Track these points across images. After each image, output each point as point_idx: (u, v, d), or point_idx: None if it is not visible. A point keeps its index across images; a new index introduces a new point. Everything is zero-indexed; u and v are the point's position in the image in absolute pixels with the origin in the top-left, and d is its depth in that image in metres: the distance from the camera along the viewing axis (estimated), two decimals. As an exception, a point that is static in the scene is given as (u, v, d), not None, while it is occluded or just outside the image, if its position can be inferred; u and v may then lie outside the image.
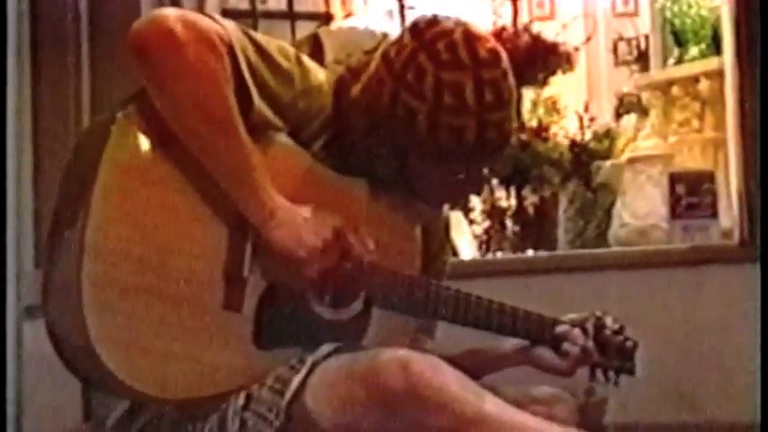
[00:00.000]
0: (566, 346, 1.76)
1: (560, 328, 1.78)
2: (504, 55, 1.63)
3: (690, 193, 3.47)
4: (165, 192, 1.48)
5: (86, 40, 3.20)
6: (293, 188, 1.56)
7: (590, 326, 1.82)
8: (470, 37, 1.60)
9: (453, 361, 1.44)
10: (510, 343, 1.82)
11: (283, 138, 1.59)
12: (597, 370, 1.84)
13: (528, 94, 4.64)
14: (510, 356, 1.83)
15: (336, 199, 1.64)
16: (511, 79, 1.63)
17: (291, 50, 1.62)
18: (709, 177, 3.53)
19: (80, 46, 3.18)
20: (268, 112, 1.55)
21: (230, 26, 1.51)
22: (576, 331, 1.78)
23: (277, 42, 1.61)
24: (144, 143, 1.47)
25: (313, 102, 1.62)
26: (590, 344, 1.77)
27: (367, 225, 1.66)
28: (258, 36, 1.57)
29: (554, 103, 4.77)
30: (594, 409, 1.74)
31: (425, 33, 1.61)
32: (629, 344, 1.85)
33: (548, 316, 1.80)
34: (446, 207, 1.94)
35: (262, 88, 1.53)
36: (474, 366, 1.47)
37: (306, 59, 1.64)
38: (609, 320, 1.85)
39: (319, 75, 1.65)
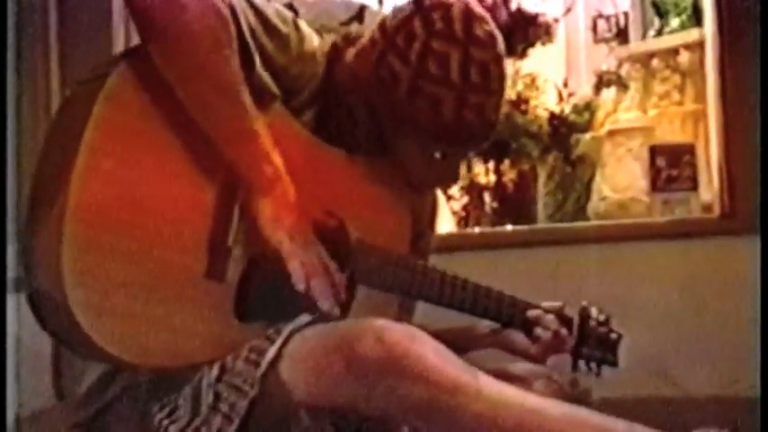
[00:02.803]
0: (538, 330, 1.75)
1: (532, 313, 1.77)
2: (500, 40, 1.61)
3: (670, 166, 3.45)
4: (153, 155, 1.44)
5: (55, 18, 3.14)
6: (286, 158, 1.52)
7: (575, 315, 1.82)
8: (469, 14, 1.59)
9: None
10: (482, 324, 1.81)
11: (277, 105, 1.57)
12: (580, 361, 1.83)
13: (507, 68, 4.61)
14: (481, 338, 1.83)
15: (328, 172, 1.63)
16: (504, 66, 1.62)
17: (289, 14, 1.59)
18: (689, 150, 3.52)
19: (48, 24, 3.13)
20: (267, 78, 1.52)
21: None
22: (550, 316, 1.77)
23: (274, 5, 1.59)
24: (135, 103, 1.43)
25: (306, 68, 1.60)
26: (563, 330, 1.76)
27: (357, 199, 1.65)
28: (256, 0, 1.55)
29: (533, 79, 4.76)
30: (579, 400, 1.72)
31: (425, 1, 1.60)
32: (613, 336, 1.85)
33: (521, 299, 1.78)
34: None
35: (260, 53, 1.51)
36: (446, 347, 1.45)
37: (302, 24, 1.61)
38: (594, 311, 1.85)
39: (314, 41, 1.63)
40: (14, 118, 2.95)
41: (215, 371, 1.45)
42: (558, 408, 1.37)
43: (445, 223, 4.18)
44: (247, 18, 1.49)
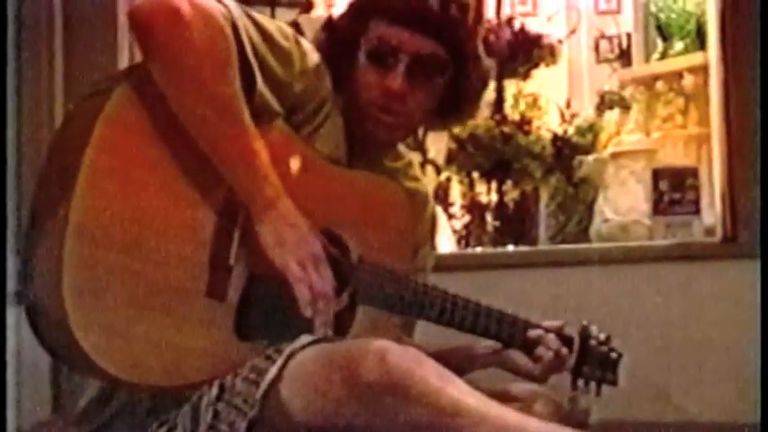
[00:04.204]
0: (539, 350, 1.75)
1: (533, 332, 1.76)
2: None
3: (673, 189, 3.44)
4: (154, 172, 1.44)
5: (60, 27, 3.14)
6: (287, 176, 1.53)
7: (575, 334, 1.81)
8: None
9: None
10: (483, 344, 1.81)
11: (279, 122, 1.57)
12: (579, 379, 1.82)
13: (510, 89, 4.62)
14: (482, 358, 1.83)
15: (329, 189, 1.64)
16: None
17: (290, 31, 1.60)
18: (692, 173, 3.51)
19: (53, 33, 3.12)
20: (269, 95, 1.53)
21: (232, 5, 1.49)
22: (551, 336, 1.76)
23: (276, 22, 1.60)
24: (136, 122, 1.43)
25: (309, 84, 1.60)
26: (564, 349, 1.76)
27: (358, 216, 1.66)
28: (258, 16, 1.55)
29: (535, 100, 4.75)
30: (578, 419, 1.72)
31: None
32: (613, 355, 1.84)
33: (522, 318, 1.78)
34: (432, 202, 1.93)
35: (263, 70, 1.51)
36: (446, 367, 1.44)
37: (303, 41, 1.62)
38: (595, 330, 1.84)
39: (314, 56, 1.63)
40: (16, 131, 2.95)
41: (214, 390, 1.45)
42: (558, 432, 1.36)
43: (446, 242, 4.17)
44: (250, 35, 1.49)
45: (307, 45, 1.62)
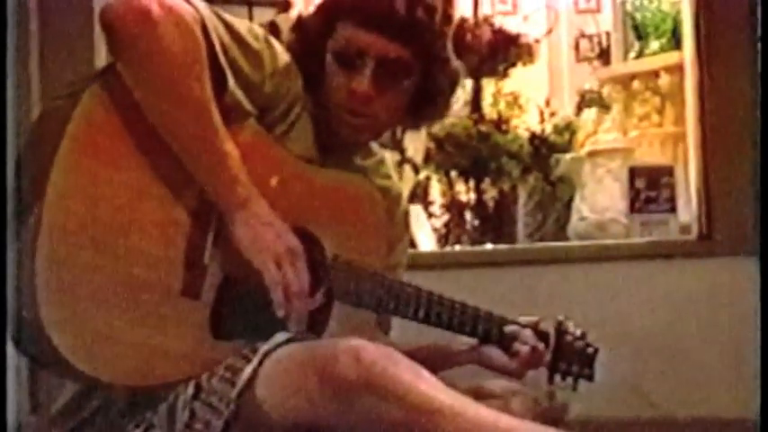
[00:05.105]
0: (516, 346, 1.75)
1: (510, 328, 1.77)
2: None
3: (649, 188, 3.46)
4: (127, 172, 1.44)
5: (36, 29, 3.12)
6: (260, 176, 1.53)
7: (551, 329, 1.81)
8: None
9: None
10: (460, 341, 1.81)
11: (251, 122, 1.56)
12: (556, 374, 1.82)
13: (489, 87, 4.63)
14: (459, 354, 1.83)
15: (303, 188, 1.63)
16: None
17: (260, 31, 1.60)
18: (668, 172, 3.54)
19: (28, 35, 3.10)
20: (241, 96, 1.52)
21: (201, 6, 1.48)
22: (527, 331, 1.77)
23: (246, 23, 1.60)
24: (109, 121, 1.43)
25: (280, 85, 1.60)
26: (541, 345, 1.76)
27: (333, 214, 1.66)
28: (228, 17, 1.55)
29: (515, 98, 4.77)
30: (556, 413, 1.72)
31: None
32: (589, 350, 1.84)
33: (498, 315, 1.78)
34: (405, 199, 1.93)
35: (234, 70, 1.51)
36: (423, 364, 1.45)
37: (274, 41, 1.62)
38: (571, 325, 1.84)
39: (285, 57, 1.63)
40: (15, 129, 2.92)
41: (190, 389, 1.45)
42: (532, 429, 1.37)
43: (426, 240, 4.18)
44: (220, 36, 1.49)
45: (277, 46, 1.62)
